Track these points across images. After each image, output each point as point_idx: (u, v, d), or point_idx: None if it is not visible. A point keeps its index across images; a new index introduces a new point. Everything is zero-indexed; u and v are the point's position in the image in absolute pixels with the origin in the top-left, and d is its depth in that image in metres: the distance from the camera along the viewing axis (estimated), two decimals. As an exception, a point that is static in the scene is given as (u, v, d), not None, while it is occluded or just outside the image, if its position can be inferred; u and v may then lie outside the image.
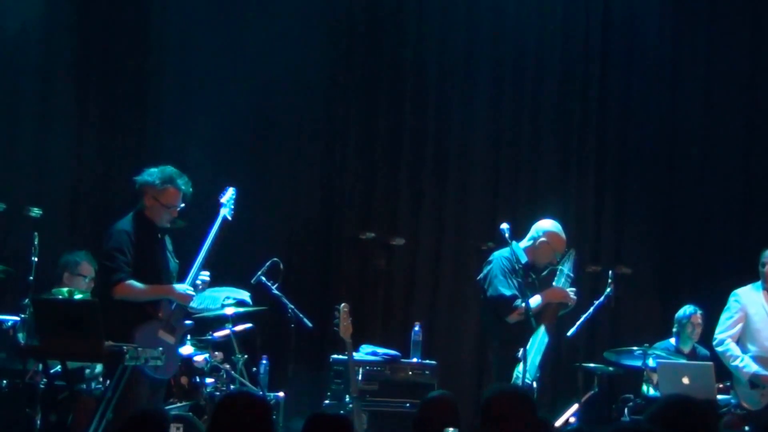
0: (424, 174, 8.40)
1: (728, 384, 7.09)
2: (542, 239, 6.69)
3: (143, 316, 5.65)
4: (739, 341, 7.27)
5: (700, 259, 8.74)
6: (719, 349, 7.28)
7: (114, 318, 5.55)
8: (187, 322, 5.98)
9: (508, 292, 6.52)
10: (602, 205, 8.75)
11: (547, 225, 6.76)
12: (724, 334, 7.29)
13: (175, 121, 7.79)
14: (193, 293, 5.82)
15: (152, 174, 5.79)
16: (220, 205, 6.00)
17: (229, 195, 6.02)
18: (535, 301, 6.52)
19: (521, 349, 6.37)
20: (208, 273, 5.83)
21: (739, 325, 7.27)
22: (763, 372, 7.09)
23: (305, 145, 8.17)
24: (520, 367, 6.37)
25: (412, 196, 8.37)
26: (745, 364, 7.13)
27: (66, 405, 5.89)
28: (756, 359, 7.16)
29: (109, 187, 7.63)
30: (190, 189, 5.84)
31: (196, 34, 7.83)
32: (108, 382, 5.89)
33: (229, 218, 5.97)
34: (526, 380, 6.34)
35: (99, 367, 6.19)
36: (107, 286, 5.69)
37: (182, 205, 5.82)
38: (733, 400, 7.03)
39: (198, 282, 5.82)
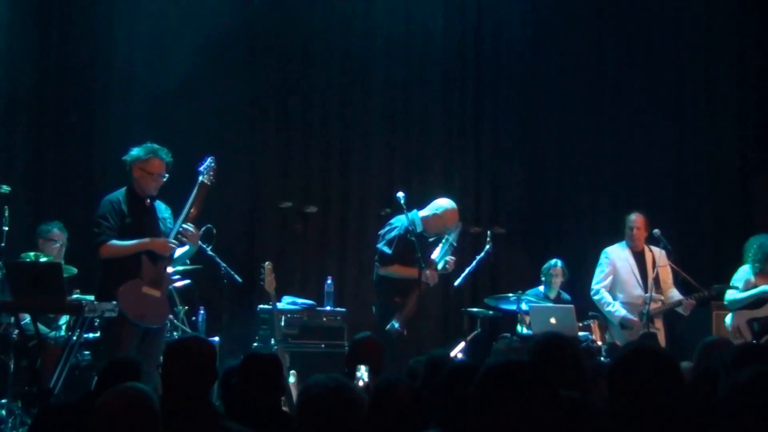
0: (332, 153, 8.77)
1: (587, 323, 7.42)
2: (438, 214, 7.04)
3: (128, 275, 5.75)
4: (611, 290, 7.70)
5: (562, 220, 9.23)
6: (595, 297, 7.69)
7: (104, 278, 5.85)
8: (175, 277, 6.13)
9: (388, 251, 6.92)
10: (480, 179, 9.17)
11: (444, 203, 7.10)
12: (599, 285, 7.72)
13: (122, 94, 8.06)
14: (174, 244, 5.85)
15: (137, 150, 5.95)
16: (197, 173, 6.03)
17: (206, 164, 6.08)
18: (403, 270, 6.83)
19: (397, 301, 6.87)
20: (191, 225, 5.88)
21: (610, 278, 7.71)
22: (629, 316, 7.55)
23: (232, 130, 8.42)
24: (396, 315, 6.87)
25: (323, 171, 8.72)
26: (616, 309, 7.60)
27: (35, 351, 6.13)
28: (624, 305, 7.62)
29: (68, 164, 7.94)
30: (171, 159, 5.96)
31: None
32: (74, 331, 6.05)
33: (207, 182, 5.98)
34: (395, 326, 6.80)
35: (63, 319, 6.59)
36: (95, 249, 5.86)
37: (166, 175, 5.92)
38: (590, 336, 7.33)
39: (181, 234, 5.85)
